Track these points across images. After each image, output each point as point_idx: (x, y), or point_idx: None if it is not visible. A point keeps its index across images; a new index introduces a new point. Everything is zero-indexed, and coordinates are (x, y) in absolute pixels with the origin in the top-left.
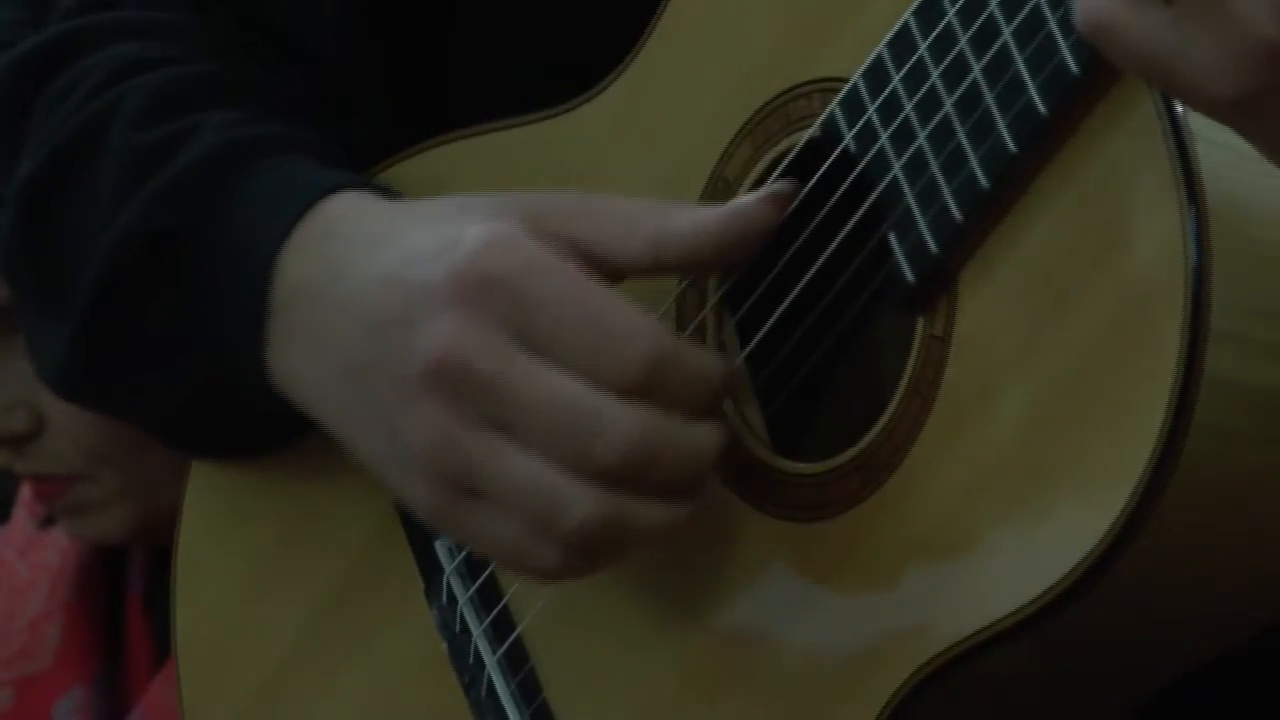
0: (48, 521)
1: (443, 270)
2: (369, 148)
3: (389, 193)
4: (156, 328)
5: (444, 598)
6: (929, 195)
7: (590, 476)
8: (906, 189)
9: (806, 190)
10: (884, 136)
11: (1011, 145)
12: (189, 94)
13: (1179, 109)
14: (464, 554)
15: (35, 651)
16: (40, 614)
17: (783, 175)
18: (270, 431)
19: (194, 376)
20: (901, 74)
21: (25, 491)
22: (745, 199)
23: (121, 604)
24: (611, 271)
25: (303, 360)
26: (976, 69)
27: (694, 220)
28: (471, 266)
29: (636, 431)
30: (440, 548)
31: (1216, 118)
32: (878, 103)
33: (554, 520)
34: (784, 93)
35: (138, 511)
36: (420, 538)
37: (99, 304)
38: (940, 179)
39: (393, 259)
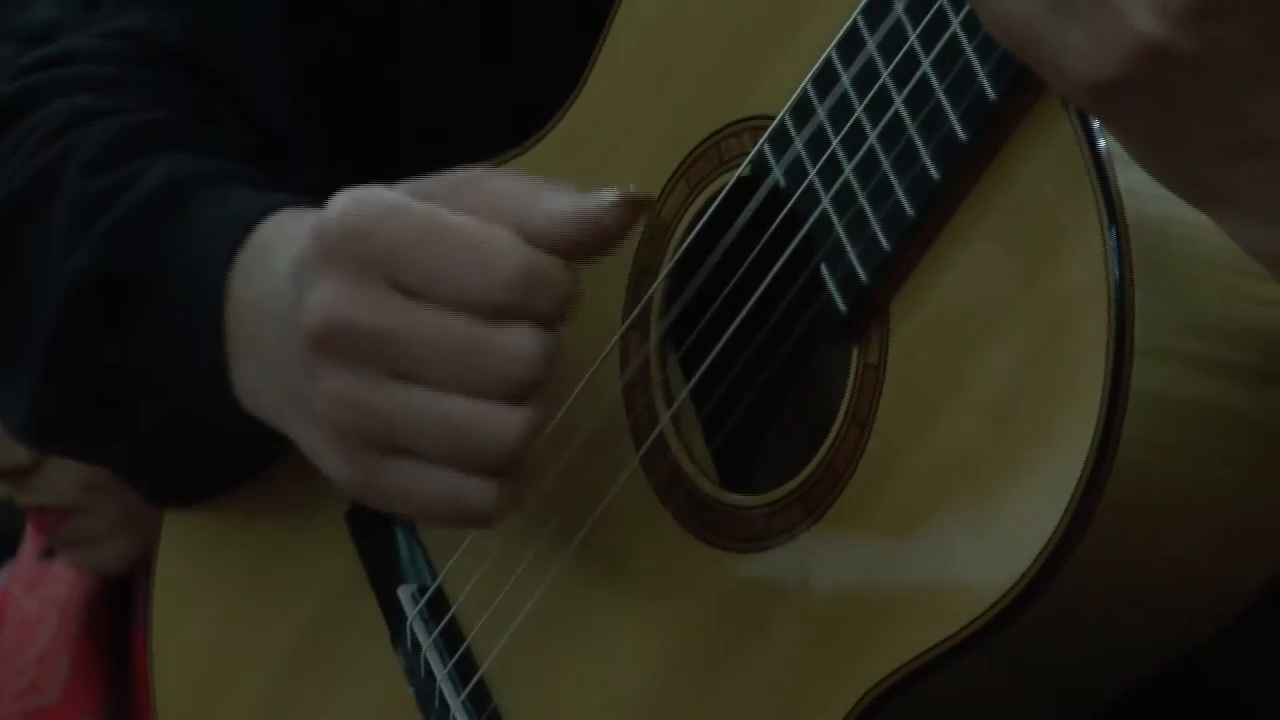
0: (48, 553)
1: (310, 240)
2: (315, 203)
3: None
4: (115, 368)
5: (409, 643)
6: (858, 226)
7: (502, 397)
8: (836, 221)
9: (738, 226)
10: (812, 171)
11: (935, 173)
12: (137, 140)
13: (1098, 132)
14: (426, 598)
15: (44, 685)
16: (49, 648)
17: (715, 213)
18: (236, 462)
19: (158, 412)
20: (826, 109)
21: (30, 525)
22: (601, 195)
23: (128, 633)
24: None
25: (251, 373)
26: (898, 100)
27: (556, 208)
28: (332, 225)
29: (533, 344)
30: (403, 594)
31: (1079, 102)
32: (804, 138)
33: (483, 448)
34: (715, 133)
35: (137, 542)
36: (384, 584)
37: (56, 350)
38: (868, 210)
39: (290, 252)
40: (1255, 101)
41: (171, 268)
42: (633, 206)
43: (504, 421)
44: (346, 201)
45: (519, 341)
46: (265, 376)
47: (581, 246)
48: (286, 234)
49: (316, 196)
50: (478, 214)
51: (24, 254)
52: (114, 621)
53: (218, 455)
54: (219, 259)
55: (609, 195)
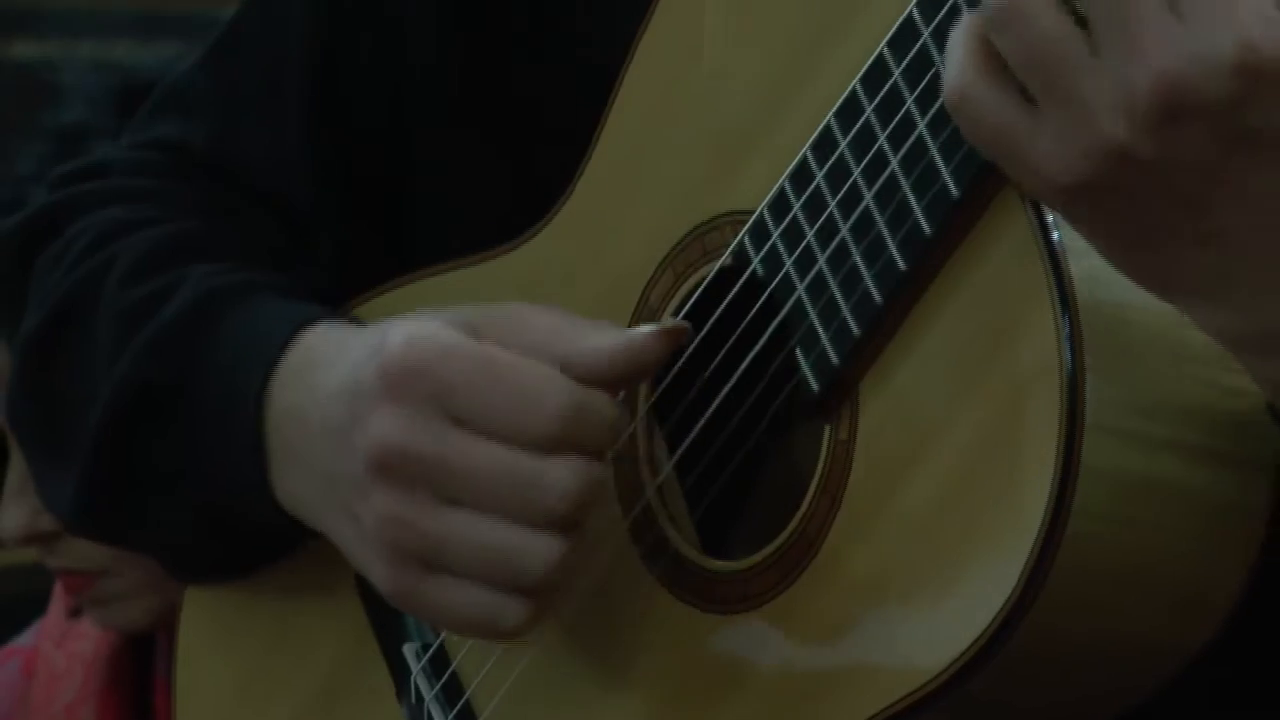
0: (76, 612)
1: (373, 371)
2: (333, 288)
3: (355, 321)
4: (157, 468)
5: (413, 697)
6: (830, 312)
7: (543, 526)
8: (810, 307)
9: (719, 313)
10: (788, 261)
11: (901, 264)
12: (173, 251)
13: (1052, 224)
14: (429, 655)
15: None
16: (75, 700)
17: (699, 300)
18: (264, 552)
19: (194, 509)
20: (801, 203)
21: (59, 586)
22: (641, 331)
23: (149, 686)
24: None
25: (295, 478)
26: (868, 196)
27: (597, 347)
28: (395, 362)
29: (574, 478)
30: (408, 651)
31: (1049, 202)
32: (781, 230)
33: (521, 572)
34: (699, 226)
35: (159, 602)
36: (390, 643)
37: (103, 450)
38: (839, 297)
39: (341, 372)
40: (1217, 196)
41: (210, 377)
42: (670, 336)
43: (540, 549)
44: (408, 339)
45: (560, 476)
46: (308, 482)
47: (624, 378)
48: (328, 347)
49: (331, 293)
50: (525, 349)
51: (71, 359)
52: (136, 675)
53: (246, 546)
54: (257, 369)
55: (647, 328)
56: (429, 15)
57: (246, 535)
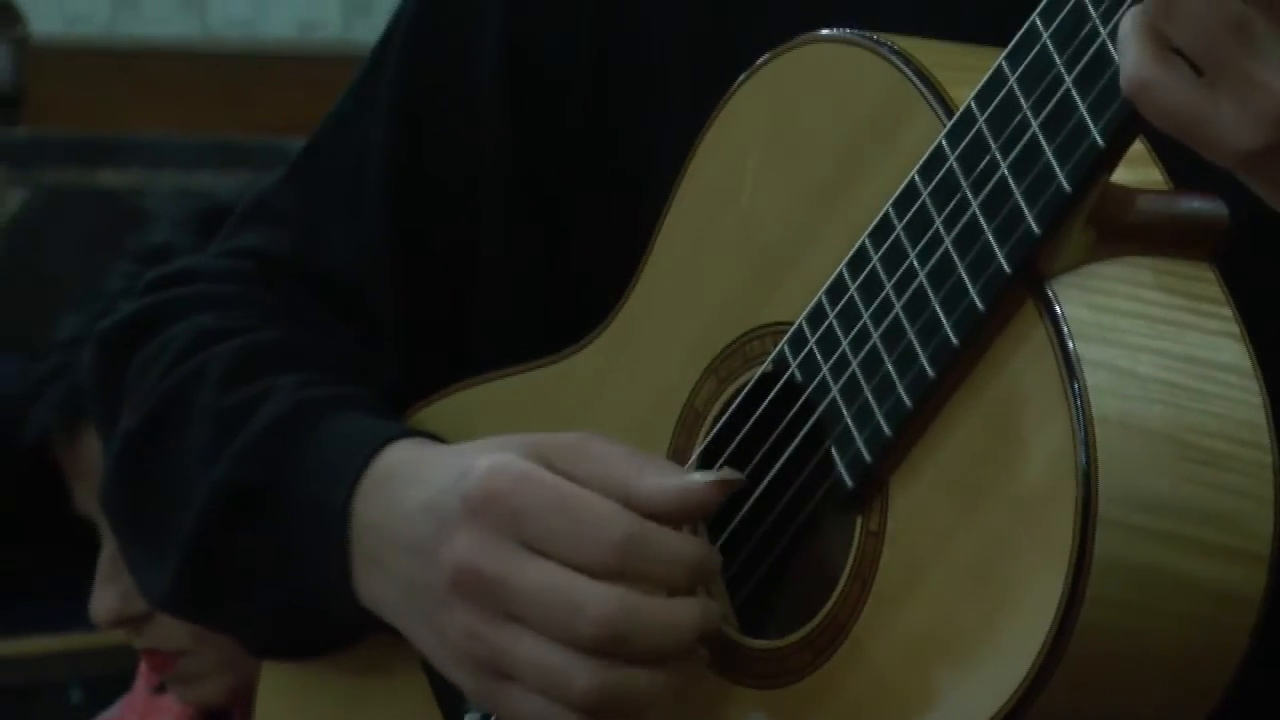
0: (160, 689)
1: (457, 497)
2: (400, 382)
3: (433, 437)
4: (247, 565)
5: None
6: (864, 415)
7: (584, 651)
8: (845, 410)
9: (760, 414)
10: (824, 368)
11: (930, 372)
12: (262, 360)
13: (1067, 335)
14: None
15: None
16: None
17: (742, 403)
18: (340, 641)
19: (277, 604)
20: (836, 314)
21: (143, 664)
22: (699, 478)
23: None
24: None
25: (377, 583)
26: (899, 308)
27: (661, 486)
28: (477, 489)
29: (611, 608)
30: None
31: (1232, 167)
32: (817, 338)
33: (563, 691)
34: (741, 336)
35: (233, 681)
36: (453, 713)
37: (196, 545)
38: (872, 402)
39: (426, 492)
40: None
41: (299, 485)
42: (725, 486)
43: (578, 671)
44: (489, 467)
45: (598, 600)
46: (390, 588)
47: (681, 518)
48: (407, 465)
49: (396, 392)
50: (593, 480)
51: (166, 460)
52: None
53: (321, 634)
54: (344, 481)
55: (706, 476)
56: (503, 133)
57: (324, 627)
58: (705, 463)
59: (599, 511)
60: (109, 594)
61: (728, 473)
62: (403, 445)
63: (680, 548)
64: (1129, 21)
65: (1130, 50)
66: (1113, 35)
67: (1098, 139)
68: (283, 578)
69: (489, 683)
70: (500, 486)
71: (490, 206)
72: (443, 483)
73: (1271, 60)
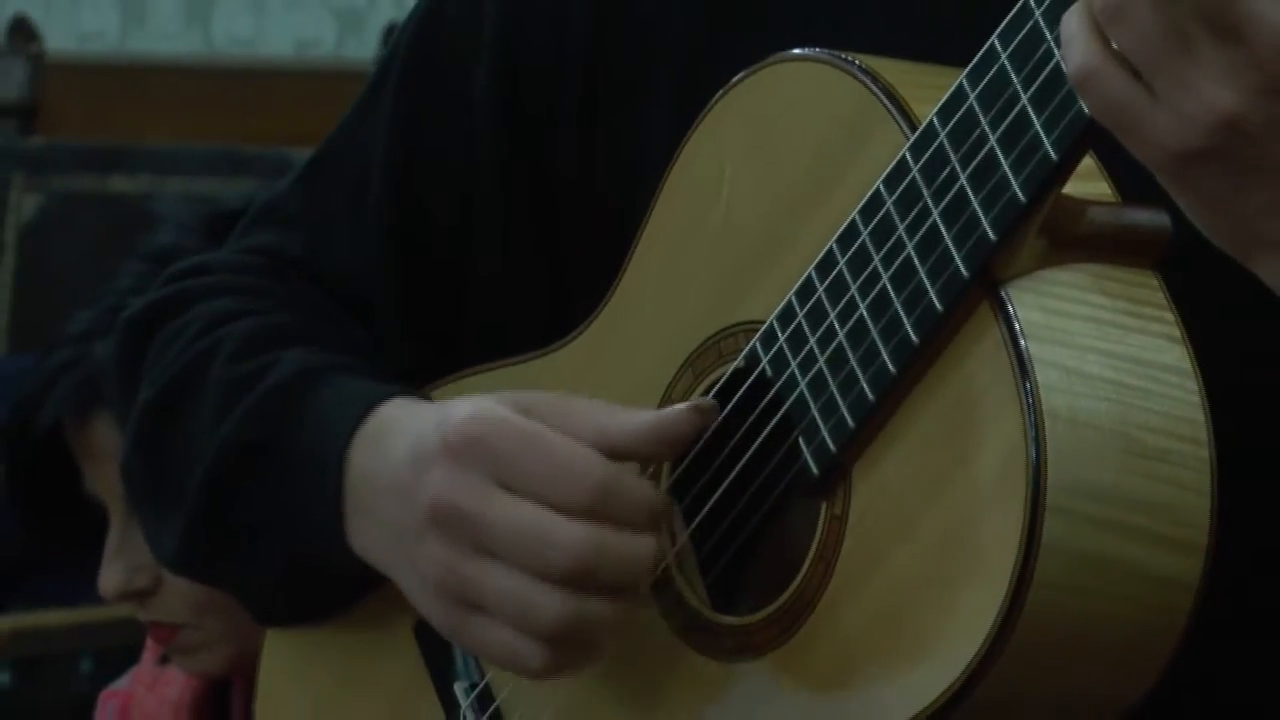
0: (164, 660)
1: (437, 439)
2: (404, 377)
3: (425, 397)
4: (250, 517)
5: None
6: (829, 408)
7: (553, 583)
8: (811, 403)
9: (732, 406)
10: (793, 364)
11: (892, 368)
12: (272, 336)
13: (1020, 333)
14: (476, 693)
15: None
16: None
17: (715, 396)
18: (337, 596)
19: (279, 555)
20: (805, 313)
21: (150, 637)
22: (675, 407)
23: None
24: None
25: (366, 531)
26: (863, 308)
27: (633, 420)
28: (455, 432)
29: (582, 542)
30: (458, 688)
31: (1159, 169)
32: (787, 336)
33: (531, 621)
34: (716, 334)
35: (233, 651)
36: (442, 680)
37: (205, 500)
38: (837, 395)
39: (411, 440)
40: None
41: (301, 440)
42: (700, 412)
43: (548, 602)
44: (469, 413)
45: (569, 536)
46: (378, 535)
47: (657, 448)
48: (399, 419)
49: (410, 375)
50: (567, 427)
51: (182, 425)
52: (216, 715)
53: (322, 591)
54: (341, 436)
55: (681, 405)
56: (497, 150)
57: (323, 581)
58: (682, 451)
59: (574, 454)
60: (116, 569)
61: (702, 401)
62: (397, 402)
63: (645, 491)
64: (1075, 16)
65: (1077, 43)
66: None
67: (1051, 153)
68: (284, 529)
69: (460, 614)
70: (479, 430)
71: (484, 220)
72: (425, 429)
73: (1207, 67)
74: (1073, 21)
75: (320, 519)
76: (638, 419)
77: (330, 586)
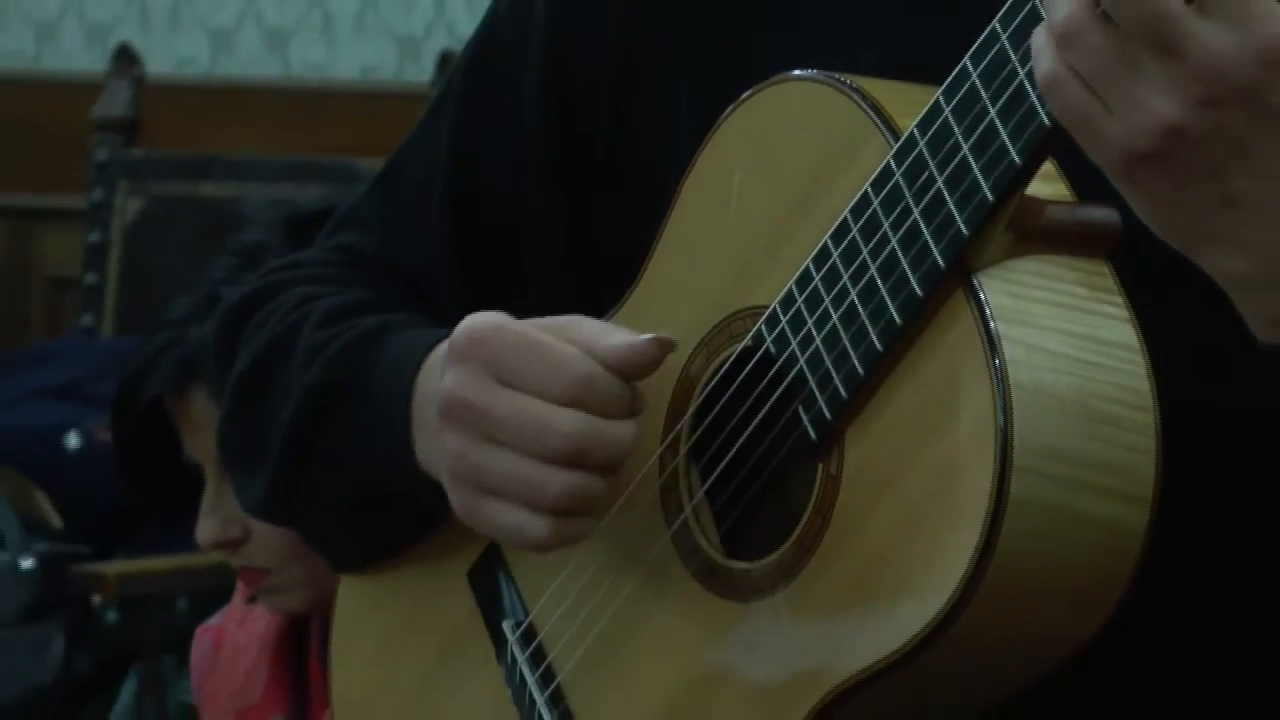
0: (252, 600)
1: (447, 345)
2: None
3: None
4: (328, 449)
5: (509, 660)
6: (825, 380)
7: (553, 462)
8: (810, 376)
9: (741, 380)
10: (794, 342)
11: (879, 346)
12: (350, 309)
13: (990, 316)
14: (521, 629)
15: (249, 691)
16: (251, 665)
17: (727, 371)
18: (398, 534)
19: (350, 489)
20: (804, 299)
21: (240, 580)
22: (642, 337)
23: (306, 657)
24: None
25: (425, 444)
26: (854, 294)
27: (612, 341)
28: (461, 336)
29: (575, 426)
30: (506, 626)
31: (1110, 168)
32: (788, 319)
33: (537, 497)
34: (728, 317)
35: (313, 594)
36: (492, 619)
37: (289, 442)
38: (832, 369)
39: (445, 355)
40: (1242, 165)
41: (376, 377)
42: (659, 344)
43: (551, 478)
44: (471, 321)
45: (564, 421)
46: (430, 445)
47: (629, 367)
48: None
49: None
50: (562, 338)
51: (274, 387)
52: (297, 648)
53: (384, 526)
54: (410, 367)
55: (646, 336)
56: (542, 161)
57: (387, 516)
58: (697, 419)
59: (564, 353)
60: (211, 522)
61: (663, 335)
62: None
63: (623, 386)
64: (1042, 33)
65: (1044, 55)
66: (1030, 77)
67: (1016, 159)
68: (359, 458)
69: (474, 498)
70: (479, 334)
71: (531, 222)
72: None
73: (1152, 82)
74: (1040, 35)
75: (392, 440)
76: (616, 338)
77: (393, 520)
